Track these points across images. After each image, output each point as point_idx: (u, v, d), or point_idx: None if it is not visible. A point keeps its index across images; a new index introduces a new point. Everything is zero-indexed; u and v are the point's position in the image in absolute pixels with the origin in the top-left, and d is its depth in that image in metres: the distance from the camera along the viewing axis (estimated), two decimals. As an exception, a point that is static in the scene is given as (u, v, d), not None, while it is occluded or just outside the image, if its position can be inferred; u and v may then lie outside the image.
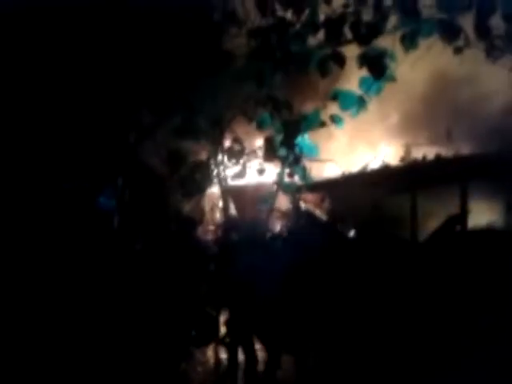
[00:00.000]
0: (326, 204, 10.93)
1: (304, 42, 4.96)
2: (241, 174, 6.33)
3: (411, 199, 9.88)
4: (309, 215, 10.26)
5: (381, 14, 4.70)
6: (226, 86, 5.60)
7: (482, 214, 9.78)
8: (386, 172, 10.44)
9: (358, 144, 12.44)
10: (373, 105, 11.23)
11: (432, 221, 9.84)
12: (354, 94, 4.99)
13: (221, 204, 8.65)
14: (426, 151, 11.27)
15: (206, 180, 5.38)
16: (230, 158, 5.50)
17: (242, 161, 5.69)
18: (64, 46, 6.55)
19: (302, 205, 10.74)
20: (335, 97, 4.93)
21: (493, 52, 4.79)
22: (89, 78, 6.48)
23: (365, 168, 11.53)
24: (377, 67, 4.73)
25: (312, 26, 4.79)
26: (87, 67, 6.29)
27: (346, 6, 4.89)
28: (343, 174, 10.86)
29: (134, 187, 6.86)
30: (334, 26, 4.73)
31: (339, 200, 10.85)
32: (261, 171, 6.95)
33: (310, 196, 11.22)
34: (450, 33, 4.69)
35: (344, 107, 4.93)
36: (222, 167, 5.87)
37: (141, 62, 5.99)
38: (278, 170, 6.70)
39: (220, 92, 5.57)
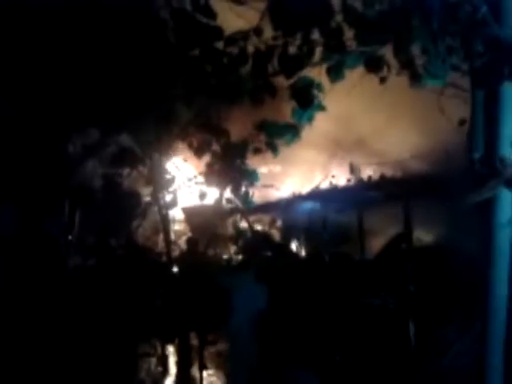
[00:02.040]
0: (278, 224, 11.18)
1: (237, 71, 5.13)
2: (173, 203, 6.47)
3: (358, 218, 10.16)
4: (262, 236, 10.45)
5: (308, 47, 4.91)
6: (163, 111, 5.73)
7: (427, 232, 10.09)
8: (333, 192, 10.71)
9: (310, 165, 12.75)
10: (324, 127, 11.62)
11: (378, 239, 10.13)
12: (281, 124, 5.18)
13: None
14: (375, 170, 11.62)
15: (136, 207, 5.49)
16: (158, 188, 5.62)
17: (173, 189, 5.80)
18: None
19: (255, 226, 10.98)
20: (262, 127, 5.12)
21: (416, 80, 5.03)
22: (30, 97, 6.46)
23: (316, 188, 11.81)
24: (304, 98, 4.95)
25: (241, 57, 4.96)
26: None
27: (275, 38, 5.09)
28: (293, 194, 11.12)
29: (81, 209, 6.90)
30: (262, 58, 4.93)
31: (290, 220, 11.10)
32: (202, 196, 7.11)
33: (262, 217, 11.48)
34: (372, 64, 4.93)
35: (271, 137, 5.13)
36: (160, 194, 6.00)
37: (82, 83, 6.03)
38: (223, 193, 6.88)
39: (157, 117, 5.69)
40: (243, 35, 5.18)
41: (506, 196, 4.34)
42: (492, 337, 4.33)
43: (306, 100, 4.93)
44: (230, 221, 9.68)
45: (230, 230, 9.77)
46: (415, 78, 4.99)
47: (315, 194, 11.01)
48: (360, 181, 10.90)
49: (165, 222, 6.02)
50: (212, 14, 5.03)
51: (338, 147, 12.00)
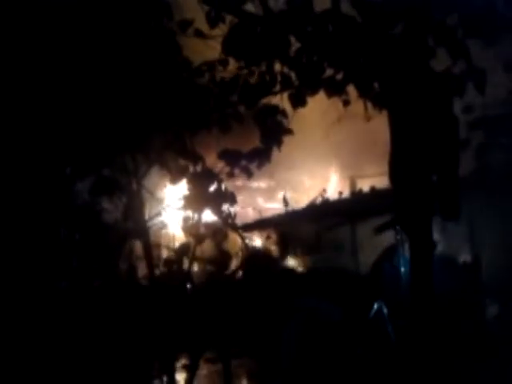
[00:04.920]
0: (273, 241, 11.31)
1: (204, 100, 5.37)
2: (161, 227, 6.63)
3: (351, 231, 10.26)
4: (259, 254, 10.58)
5: (270, 76, 5.13)
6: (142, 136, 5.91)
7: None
8: (326, 206, 10.83)
9: (305, 178, 12.92)
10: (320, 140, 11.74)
11: (371, 252, 10.21)
12: (241, 152, 5.37)
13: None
14: (371, 183, 11.73)
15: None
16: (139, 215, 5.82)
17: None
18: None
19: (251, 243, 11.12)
20: (222, 156, 5.33)
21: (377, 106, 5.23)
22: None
23: (313, 202, 11.94)
24: (268, 124, 5.15)
25: (207, 87, 5.19)
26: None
27: (240, 68, 5.31)
28: (287, 210, 11.25)
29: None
30: (227, 88, 5.15)
31: (286, 237, 11.23)
32: (186, 219, 7.28)
33: (258, 234, 11.63)
34: (333, 89, 5.12)
35: (232, 165, 5.33)
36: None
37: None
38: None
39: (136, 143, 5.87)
40: (209, 66, 5.44)
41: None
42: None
43: (270, 126, 5.14)
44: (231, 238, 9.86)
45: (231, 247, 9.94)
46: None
47: (309, 209, 11.16)
48: (353, 193, 11.04)
49: (147, 247, 6.20)
50: (178, 50, 5.25)
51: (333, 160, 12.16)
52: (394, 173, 4.69)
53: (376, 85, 4.96)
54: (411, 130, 4.47)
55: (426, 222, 4.78)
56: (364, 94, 4.94)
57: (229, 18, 5.25)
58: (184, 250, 6.24)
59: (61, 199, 6.88)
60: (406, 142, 4.51)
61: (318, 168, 12.34)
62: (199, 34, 5.25)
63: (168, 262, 6.34)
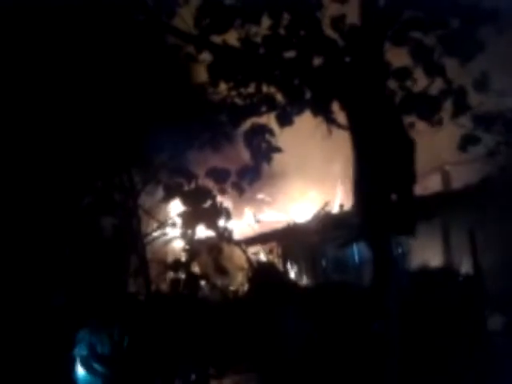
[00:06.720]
0: (277, 254, 11.45)
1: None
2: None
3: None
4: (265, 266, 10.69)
5: (258, 97, 5.31)
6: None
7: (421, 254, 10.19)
8: (326, 220, 10.95)
9: (310, 191, 13.06)
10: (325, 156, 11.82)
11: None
12: (228, 170, 5.56)
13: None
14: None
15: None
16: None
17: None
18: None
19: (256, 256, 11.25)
20: (209, 174, 5.51)
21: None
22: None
23: (317, 215, 12.05)
24: (255, 143, 5.33)
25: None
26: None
27: (230, 88, 5.51)
28: (289, 224, 11.39)
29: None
30: (213, 110, 5.35)
31: (289, 249, 11.37)
32: (184, 234, 7.47)
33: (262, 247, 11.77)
34: (317, 110, 5.29)
35: (220, 183, 5.52)
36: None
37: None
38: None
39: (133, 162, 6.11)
40: (200, 87, 5.65)
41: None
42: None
43: (258, 145, 5.32)
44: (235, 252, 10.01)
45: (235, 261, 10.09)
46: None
47: (312, 223, 11.27)
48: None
49: (144, 265, 6.39)
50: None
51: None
52: (357, 190, 4.86)
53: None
54: (371, 151, 4.64)
55: (384, 236, 4.95)
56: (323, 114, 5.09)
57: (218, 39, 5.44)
58: (178, 265, 6.40)
59: (66, 217, 7.13)
60: (367, 162, 4.68)
61: (326, 180, 12.46)
62: (189, 57, 5.46)
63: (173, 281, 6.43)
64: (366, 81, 4.56)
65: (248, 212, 12.10)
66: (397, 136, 4.62)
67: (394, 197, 4.76)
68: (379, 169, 4.62)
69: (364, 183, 4.77)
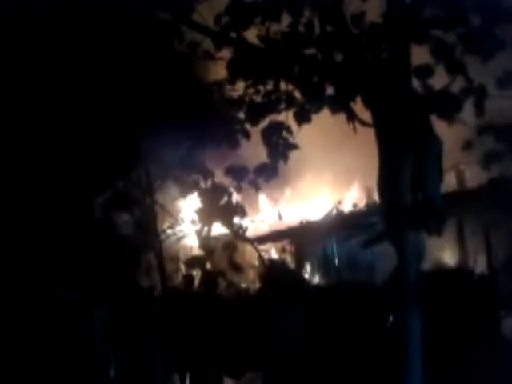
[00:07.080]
0: (289, 251, 11.45)
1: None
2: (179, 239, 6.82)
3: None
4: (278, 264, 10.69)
5: (276, 95, 5.31)
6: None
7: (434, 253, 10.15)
8: (339, 218, 10.95)
9: (322, 189, 13.03)
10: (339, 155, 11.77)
11: (387, 263, 10.24)
12: (247, 168, 5.55)
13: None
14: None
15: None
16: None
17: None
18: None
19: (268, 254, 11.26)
20: (228, 171, 5.51)
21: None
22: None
23: (329, 214, 12.05)
24: (273, 141, 5.32)
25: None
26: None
27: (247, 86, 5.50)
28: (301, 222, 11.39)
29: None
30: (234, 105, 5.35)
31: (301, 247, 11.36)
32: (199, 232, 7.47)
33: (274, 245, 11.77)
34: (336, 107, 5.27)
35: (239, 180, 5.51)
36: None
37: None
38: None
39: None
40: (218, 84, 5.65)
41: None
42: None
43: (276, 143, 5.31)
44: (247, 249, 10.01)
45: (247, 259, 10.10)
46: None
47: (325, 222, 11.27)
48: (368, 205, 11.12)
49: (160, 261, 6.40)
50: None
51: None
52: (382, 189, 4.83)
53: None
54: (397, 149, 4.62)
55: (411, 236, 4.92)
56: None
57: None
58: (194, 262, 6.41)
59: (80, 214, 7.15)
60: (393, 160, 4.66)
61: (341, 178, 12.44)
62: (208, 55, 5.44)
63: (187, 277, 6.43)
64: (392, 78, 4.54)
65: (262, 209, 12.11)
66: (424, 135, 4.61)
67: (420, 195, 4.76)
68: (406, 167, 4.61)
69: (390, 181, 4.74)
